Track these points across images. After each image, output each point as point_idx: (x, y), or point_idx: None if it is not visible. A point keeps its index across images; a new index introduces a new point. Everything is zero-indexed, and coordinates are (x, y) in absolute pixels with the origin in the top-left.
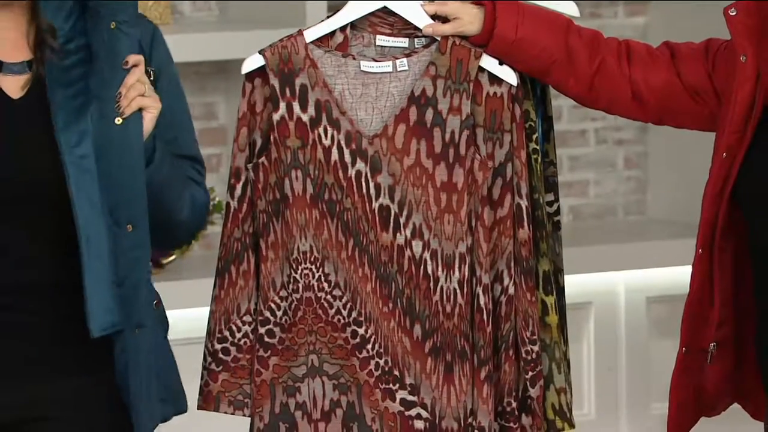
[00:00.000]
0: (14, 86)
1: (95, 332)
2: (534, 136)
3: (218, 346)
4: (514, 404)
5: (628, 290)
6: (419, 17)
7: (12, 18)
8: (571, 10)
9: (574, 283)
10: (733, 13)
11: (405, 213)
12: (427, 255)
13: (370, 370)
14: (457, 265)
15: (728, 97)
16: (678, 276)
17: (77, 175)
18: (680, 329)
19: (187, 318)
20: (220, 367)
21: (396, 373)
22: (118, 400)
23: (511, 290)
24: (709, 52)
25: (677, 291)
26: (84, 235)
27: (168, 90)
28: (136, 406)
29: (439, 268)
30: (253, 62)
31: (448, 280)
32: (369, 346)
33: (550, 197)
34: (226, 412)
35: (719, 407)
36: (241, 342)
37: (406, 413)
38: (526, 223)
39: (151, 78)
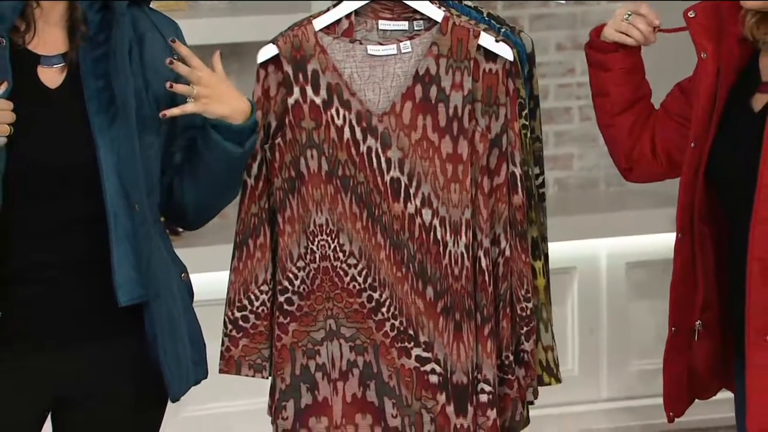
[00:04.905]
0: (52, 77)
1: (123, 302)
2: (523, 112)
3: (238, 314)
4: (511, 357)
5: (609, 256)
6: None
7: (56, 12)
8: None
9: (559, 250)
10: (692, 15)
11: (414, 184)
12: (436, 222)
13: (386, 331)
14: (463, 231)
15: (693, 93)
16: (655, 243)
17: (107, 156)
18: (668, 311)
19: (203, 282)
20: (241, 334)
21: (411, 332)
22: (147, 364)
23: (508, 252)
24: (683, 89)
25: (655, 257)
26: (112, 212)
27: None
28: (169, 370)
29: (448, 234)
30: (267, 52)
31: (456, 244)
32: (384, 309)
33: (536, 171)
34: (246, 375)
35: (711, 389)
36: (260, 310)
37: (422, 369)
38: (520, 190)
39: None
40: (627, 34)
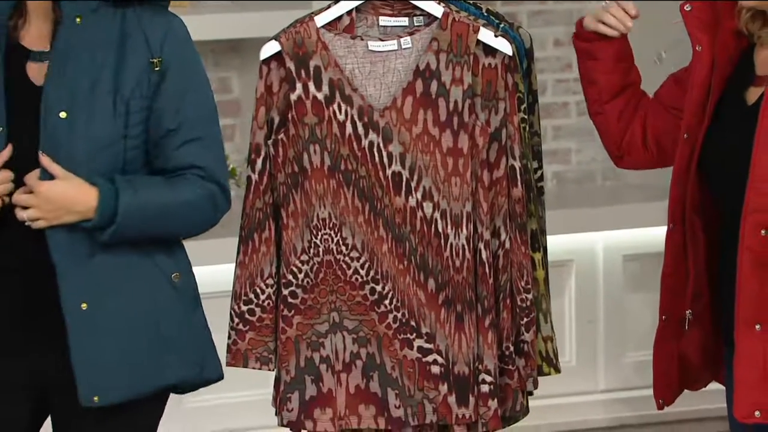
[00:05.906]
0: (39, 73)
1: (65, 308)
2: (522, 107)
3: (244, 308)
4: (511, 348)
5: (606, 249)
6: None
7: (42, 9)
8: None
9: (557, 243)
10: (688, 9)
11: (416, 178)
12: (437, 215)
13: (389, 323)
14: (464, 224)
15: (688, 84)
16: (651, 236)
17: None
18: (659, 301)
19: (209, 274)
20: (247, 327)
21: (413, 323)
22: None
23: (508, 244)
24: (678, 80)
25: (650, 249)
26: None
27: (175, 86)
28: (78, 374)
29: (449, 227)
30: (270, 48)
31: (457, 237)
32: (387, 302)
33: (535, 165)
34: (253, 368)
35: (701, 379)
36: (265, 303)
37: (424, 359)
38: (519, 183)
39: (156, 68)
40: (603, 22)
